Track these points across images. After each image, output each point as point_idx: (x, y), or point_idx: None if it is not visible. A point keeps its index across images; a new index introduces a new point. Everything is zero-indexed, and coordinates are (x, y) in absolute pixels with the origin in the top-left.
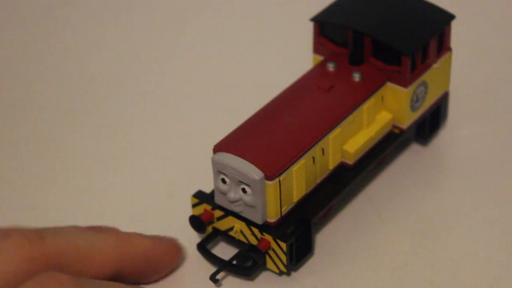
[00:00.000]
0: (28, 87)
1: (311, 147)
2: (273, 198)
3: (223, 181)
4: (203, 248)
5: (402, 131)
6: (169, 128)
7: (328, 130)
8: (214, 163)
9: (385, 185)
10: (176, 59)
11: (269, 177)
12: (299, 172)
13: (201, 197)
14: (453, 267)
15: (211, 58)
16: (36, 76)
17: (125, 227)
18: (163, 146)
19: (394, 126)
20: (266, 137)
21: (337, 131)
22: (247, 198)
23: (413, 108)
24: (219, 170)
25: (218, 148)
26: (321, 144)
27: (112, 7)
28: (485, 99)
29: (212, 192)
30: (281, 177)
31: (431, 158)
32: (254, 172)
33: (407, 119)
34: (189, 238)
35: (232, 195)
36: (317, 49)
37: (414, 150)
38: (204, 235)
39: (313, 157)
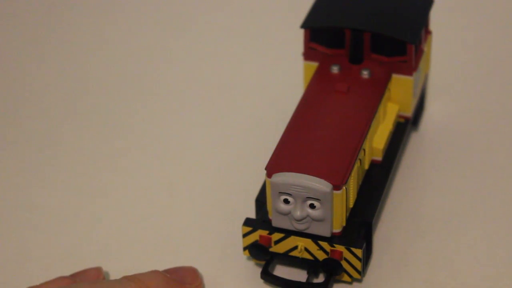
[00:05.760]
0: (28, 87)
1: (359, 150)
2: (340, 208)
3: (286, 201)
4: (268, 274)
5: (407, 120)
6: (168, 127)
7: (366, 130)
8: (275, 185)
9: None
10: (175, 59)
11: (336, 186)
12: (354, 177)
13: (253, 224)
14: (453, 267)
15: (209, 61)
16: (36, 76)
17: (124, 228)
18: (162, 146)
19: (400, 116)
20: (314, 149)
21: (370, 130)
22: (315, 213)
23: (414, 95)
24: (280, 191)
25: (273, 169)
26: (363, 145)
27: (112, 7)
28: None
29: (262, 217)
30: (346, 185)
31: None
32: (323, 185)
33: (412, 107)
34: (193, 235)
35: (298, 213)
36: (308, 56)
37: (411, 147)
38: (262, 263)
39: (360, 160)
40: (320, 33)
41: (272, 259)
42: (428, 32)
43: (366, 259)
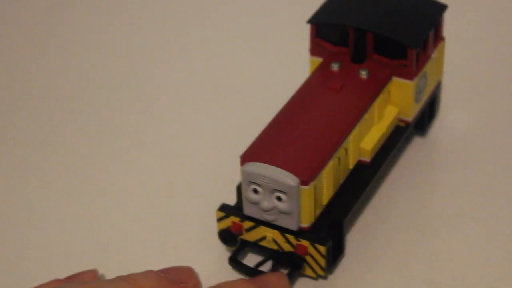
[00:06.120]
0: (28, 87)
1: (337, 149)
2: (308, 203)
3: (255, 191)
4: (236, 261)
5: (408, 124)
6: (168, 128)
7: (349, 129)
8: (246, 174)
9: (384, 184)
10: (176, 60)
11: (304, 182)
12: (328, 174)
13: (227, 210)
14: (453, 267)
15: (210, 60)
16: (36, 76)
17: (125, 228)
18: (163, 146)
19: (400, 120)
20: (291, 143)
21: (356, 129)
22: (282, 205)
23: (417, 100)
24: (250, 181)
25: (246, 158)
26: (344, 144)
27: (113, 7)
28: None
29: (237, 204)
30: (315, 181)
31: (426, 153)
32: (290, 179)
33: (413, 111)
34: (193, 235)
35: (266, 204)
36: (314, 51)
37: (412, 147)
38: (233, 249)
39: (339, 158)
40: (325, 30)
41: (243, 247)
42: (440, 38)
43: (334, 257)
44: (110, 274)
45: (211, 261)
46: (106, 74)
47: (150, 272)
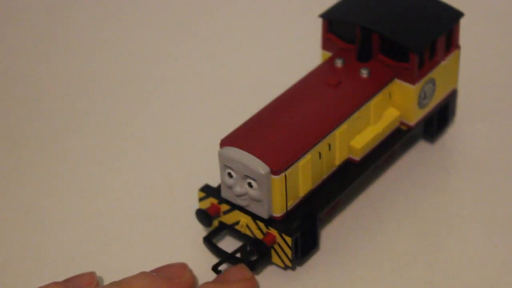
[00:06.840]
0: (28, 87)
1: (317, 143)
2: (278, 193)
3: (230, 175)
4: (209, 241)
5: (409, 128)
6: (169, 125)
7: (335, 126)
8: (221, 157)
9: (385, 185)
10: (178, 54)
11: (274, 171)
12: (305, 167)
13: (207, 191)
14: (453, 267)
15: (216, 54)
16: (36, 76)
17: (125, 227)
18: (163, 145)
19: (402, 123)
20: (273, 132)
21: (344, 127)
22: (253, 192)
23: (421, 105)
24: (225, 164)
25: (225, 142)
26: (327, 139)
27: (113, 7)
28: (493, 97)
29: (219, 186)
30: (287, 172)
31: (432, 157)
32: (260, 167)
33: (415, 116)
34: (192, 234)
35: (238, 189)
36: (325, 46)
37: (415, 149)
38: (210, 229)
39: (320, 153)
40: (336, 26)
41: (221, 229)
42: (455, 46)
43: (305, 250)
44: (108, 274)
45: (209, 259)
46: (107, 73)
47: (142, 273)
